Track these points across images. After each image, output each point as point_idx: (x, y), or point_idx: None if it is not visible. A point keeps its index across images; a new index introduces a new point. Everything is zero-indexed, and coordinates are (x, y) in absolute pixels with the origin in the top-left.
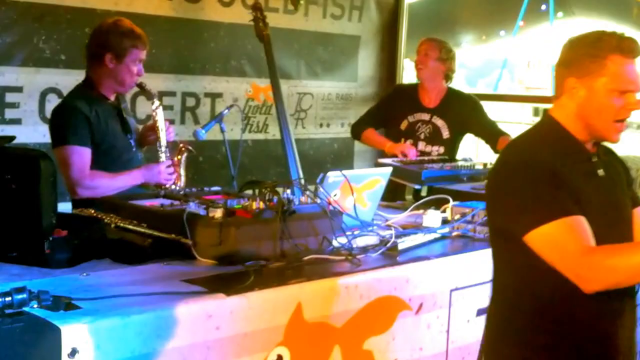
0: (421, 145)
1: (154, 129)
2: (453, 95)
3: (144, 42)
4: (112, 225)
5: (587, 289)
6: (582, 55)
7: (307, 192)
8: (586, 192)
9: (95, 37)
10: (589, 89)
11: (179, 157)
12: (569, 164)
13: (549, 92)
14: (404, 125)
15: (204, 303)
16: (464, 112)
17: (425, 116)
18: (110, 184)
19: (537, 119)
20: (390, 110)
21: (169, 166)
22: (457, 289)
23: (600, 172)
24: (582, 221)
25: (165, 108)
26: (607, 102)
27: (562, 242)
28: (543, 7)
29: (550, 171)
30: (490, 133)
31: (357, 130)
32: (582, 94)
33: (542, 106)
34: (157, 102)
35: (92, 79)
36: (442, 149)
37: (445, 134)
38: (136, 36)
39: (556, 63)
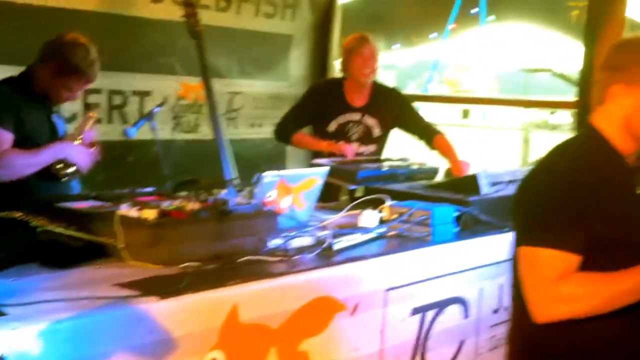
0: (354, 147)
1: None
2: (380, 90)
3: (90, 76)
4: (41, 229)
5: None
6: (634, 61)
7: (243, 193)
8: (622, 210)
9: (55, 43)
10: (637, 98)
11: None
12: (606, 180)
13: (478, 94)
14: (332, 126)
15: (137, 307)
16: (394, 107)
17: (356, 116)
18: (26, 161)
19: (467, 121)
20: (315, 111)
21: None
22: (392, 288)
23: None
24: (574, 262)
25: (90, 106)
26: None
27: (541, 270)
28: (474, 10)
29: (583, 190)
30: (423, 130)
31: (284, 134)
32: (629, 102)
33: (472, 107)
34: (92, 115)
35: (31, 75)
36: (373, 147)
37: (377, 132)
38: (87, 65)
39: (601, 66)
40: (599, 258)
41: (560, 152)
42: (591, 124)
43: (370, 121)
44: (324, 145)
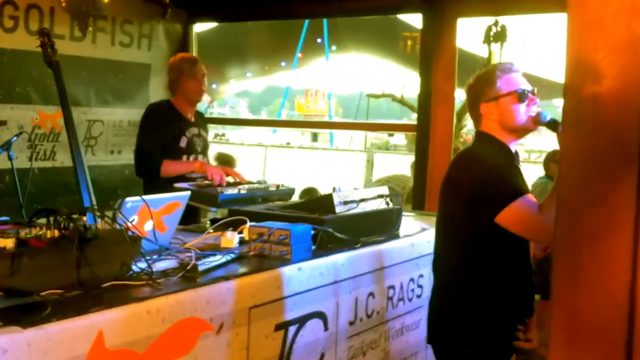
0: (200, 158)
1: None
2: (196, 110)
3: None
4: None
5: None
6: (484, 86)
7: (105, 218)
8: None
9: None
10: (497, 106)
11: None
12: (510, 162)
13: (326, 118)
14: (183, 142)
15: None
16: (206, 128)
17: (195, 130)
18: None
19: (316, 144)
20: (166, 131)
21: None
22: (255, 306)
23: (517, 163)
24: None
25: None
26: (514, 107)
27: (528, 213)
28: (319, 40)
29: (505, 168)
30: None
31: (154, 168)
32: (496, 111)
33: (321, 131)
34: None
35: None
36: (205, 159)
37: (208, 144)
38: None
39: (468, 106)
40: None
41: (479, 149)
42: (485, 132)
43: (204, 134)
44: (198, 167)
